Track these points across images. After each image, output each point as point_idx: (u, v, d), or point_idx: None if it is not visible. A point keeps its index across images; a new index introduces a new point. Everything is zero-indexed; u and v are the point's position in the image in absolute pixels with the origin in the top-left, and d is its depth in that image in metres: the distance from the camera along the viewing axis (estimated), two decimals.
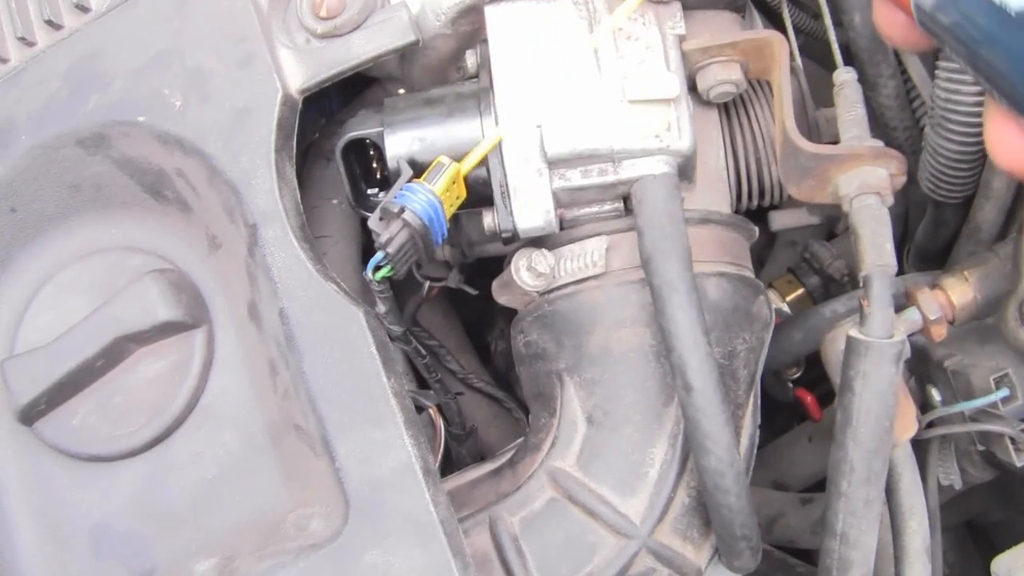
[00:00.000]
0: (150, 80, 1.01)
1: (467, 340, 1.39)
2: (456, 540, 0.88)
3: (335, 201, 1.14)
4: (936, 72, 1.12)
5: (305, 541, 0.92)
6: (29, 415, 1.01)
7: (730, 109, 1.07)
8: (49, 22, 1.06)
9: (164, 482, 1.01)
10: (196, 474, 1.01)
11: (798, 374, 1.43)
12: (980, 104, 1.10)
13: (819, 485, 1.50)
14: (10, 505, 1.03)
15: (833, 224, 1.34)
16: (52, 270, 1.07)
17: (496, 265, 1.12)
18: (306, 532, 0.94)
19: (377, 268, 0.91)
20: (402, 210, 0.89)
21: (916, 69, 1.27)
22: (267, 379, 1.00)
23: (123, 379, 1.02)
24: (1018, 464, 1.02)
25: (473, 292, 1.20)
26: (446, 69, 1.08)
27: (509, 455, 1.07)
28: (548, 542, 0.98)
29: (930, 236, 1.31)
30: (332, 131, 1.15)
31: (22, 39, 1.06)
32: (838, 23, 1.12)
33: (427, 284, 1.18)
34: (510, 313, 1.11)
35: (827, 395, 1.43)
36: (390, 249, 0.89)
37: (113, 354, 1.00)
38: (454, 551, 0.87)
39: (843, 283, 1.40)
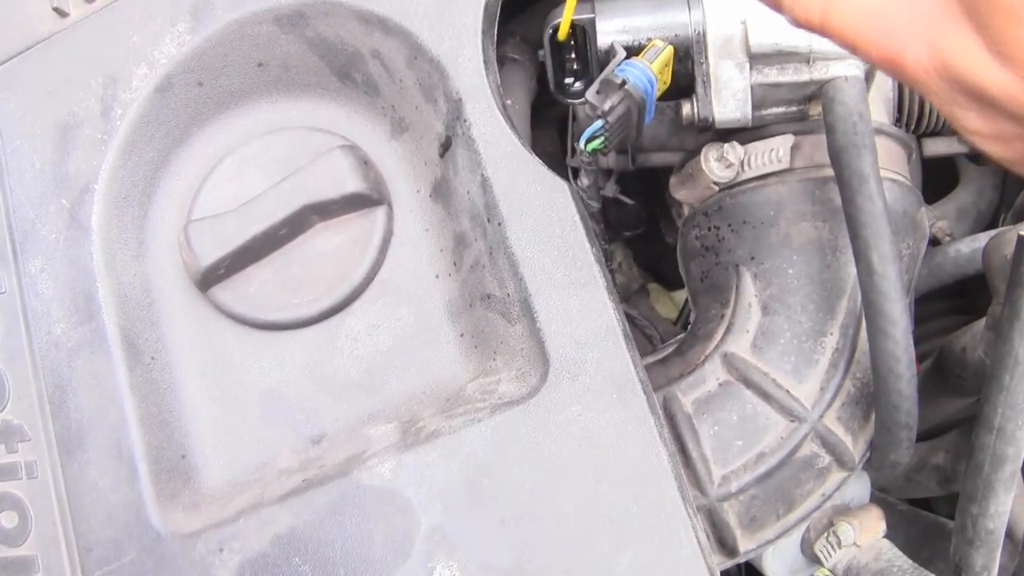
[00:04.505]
0: None
1: None
2: (652, 401, 0.97)
3: (510, 102, 1.25)
4: None
5: (497, 401, 1.01)
6: (208, 280, 1.09)
7: None
8: None
9: (338, 352, 1.10)
10: (371, 346, 1.09)
11: None
12: None
13: None
14: (183, 368, 1.12)
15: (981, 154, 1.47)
16: (232, 145, 1.15)
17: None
18: (495, 395, 1.02)
19: (591, 140, 1.02)
20: (624, 82, 1.00)
21: None
22: (451, 254, 1.09)
23: (303, 251, 1.11)
24: None
25: (629, 201, 1.31)
26: None
27: (674, 346, 1.18)
28: (721, 422, 1.09)
29: None
30: (504, 39, 1.26)
31: None
32: None
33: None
34: (630, 249, 1.22)
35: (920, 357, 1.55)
36: (611, 118, 1.00)
37: (297, 224, 1.09)
38: (652, 411, 0.96)
39: (946, 244, 1.53)
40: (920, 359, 1.53)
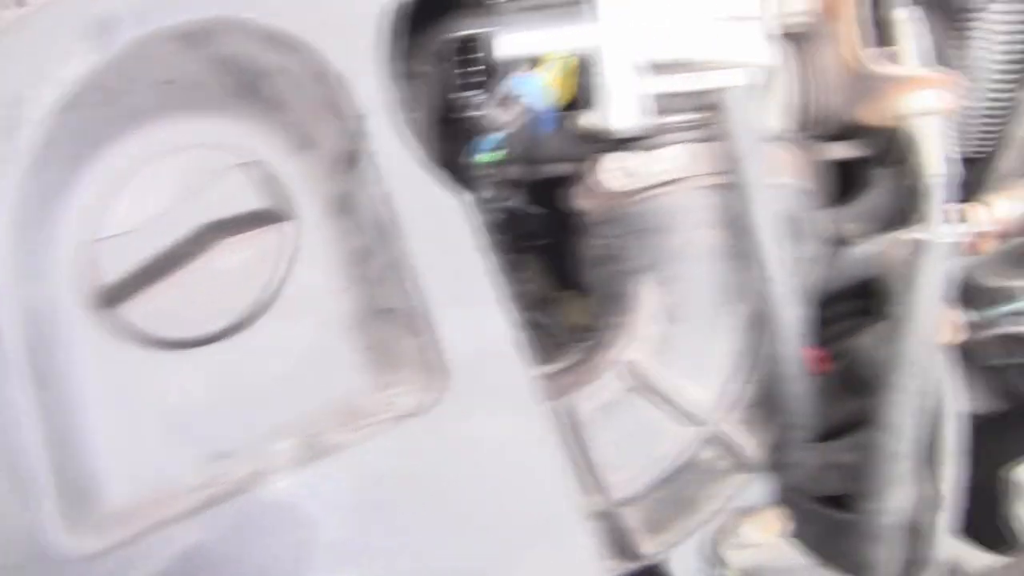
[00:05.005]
0: None
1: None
2: (548, 410, 1.01)
3: (415, 115, 1.27)
4: (969, 31, 1.31)
5: (397, 413, 1.03)
6: (113, 298, 1.10)
7: (799, 40, 1.24)
8: None
9: (242, 368, 1.11)
10: (275, 361, 1.11)
11: None
12: (1012, 60, 1.29)
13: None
14: (86, 388, 1.12)
15: (883, 156, 1.50)
16: (139, 162, 1.16)
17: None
18: (396, 408, 1.04)
19: (489, 152, 1.05)
20: (520, 96, 1.03)
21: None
22: (353, 269, 1.11)
23: (207, 268, 1.12)
24: None
25: (537, 211, 1.33)
26: None
27: (577, 354, 1.21)
28: (622, 428, 1.11)
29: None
30: (408, 53, 1.28)
31: None
32: None
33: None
34: (542, 253, 1.25)
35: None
36: (507, 131, 1.03)
37: (200, 241, 1.10)
38: (547, 419, 1.00)
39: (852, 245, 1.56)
40: (831, 359, 1.57)
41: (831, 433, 1.53)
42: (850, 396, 1.42)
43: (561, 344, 1.43)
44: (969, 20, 1.33)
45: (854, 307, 1.53)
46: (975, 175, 1.43)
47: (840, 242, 1.48)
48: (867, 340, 1.36)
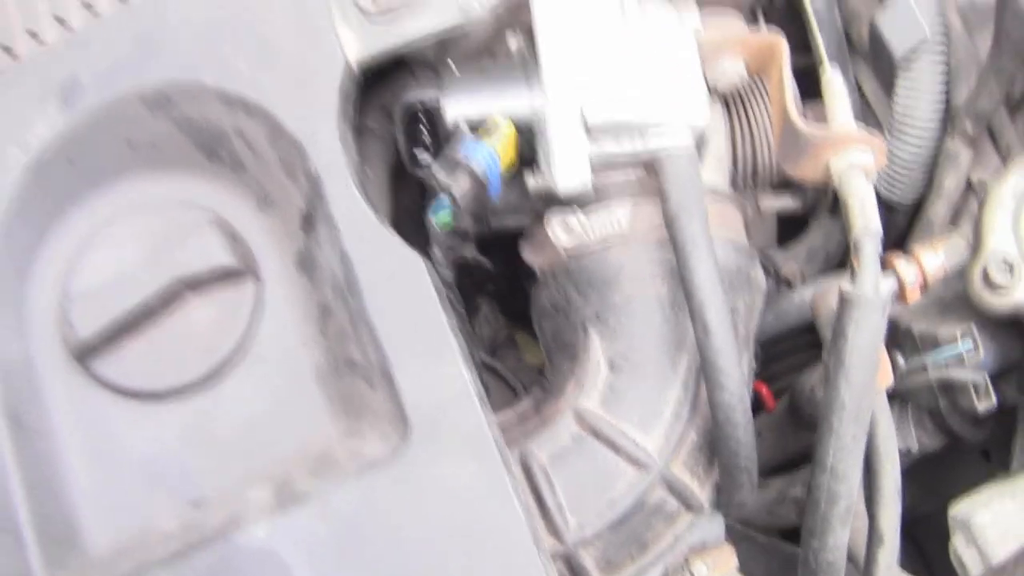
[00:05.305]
0: (217, 45, 1.17)
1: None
2: (507, 458, 1.06)
3: (369, 173, 1.32)
4: (896, 84, 1.39)
5: (363, 462, 1.09)
6: (86, 352, 1.15)
7: (731, 100, 1.31)
8: None
9: (214, 418, 1.16)
10: (245, 410, 1.15)
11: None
12: (936, 112, 1.37)
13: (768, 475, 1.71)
14: (64, 441, 1.16)
15: (814, 208, 1.58)
16: (105, 221, 1.20)
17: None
18: (361, 456, 1.10)
19: (440, 215, 1.11)
20: (466, 160, 1.09)
21: (871, 87, 1.54)
22: (316, 323, 1.17)
23: (176, 322, 1.16)
24: (980, 409, 1.26)
25: (489, 265, 1.40)
26: (480, 56, 1.29)
27: (530, 402, 1.27)
28: (575, 472, 1.17)
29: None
30: (362, 111, 1.34)
31: (86, 4, 1.22)
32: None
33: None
34: (495, 301, 1.31)
35: (778, 392, 1.67)
36: (455, 193, 1.09)
37: (170, 296, 1.15)
38: (506, 467, 1.05)
39: (794, 285, 1.64)
40: (777, 395, 1.65)
41: (784, 466, 1.62)
42: (800, 431, 1.50)
43: (513, 387, 1.50)
44: (899, 73, 1.42)
45: (804, 341, 1.61)
46: (904, 221, 1.52)
47: (782, 281, 1.56)
48: (808, 381, 1.44)
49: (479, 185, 1.09)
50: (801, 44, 1.42)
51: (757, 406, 1.66)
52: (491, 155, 1.10)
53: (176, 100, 1.19)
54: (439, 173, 1.09)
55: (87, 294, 1.16)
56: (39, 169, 1.19)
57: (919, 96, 1.41)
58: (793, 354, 1.71)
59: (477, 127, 1.15)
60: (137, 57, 1.19)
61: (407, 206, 1.42)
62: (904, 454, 1.40)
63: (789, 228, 1.67)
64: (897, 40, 1.40)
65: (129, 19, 1.21)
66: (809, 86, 1.29)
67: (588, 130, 1.17)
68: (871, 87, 1.55)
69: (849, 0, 1.57)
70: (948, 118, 1.44)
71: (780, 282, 1.65)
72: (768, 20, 1.48)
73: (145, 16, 1.21)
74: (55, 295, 1.19)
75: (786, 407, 1.61)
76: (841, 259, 1.66)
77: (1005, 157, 1.44)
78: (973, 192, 1.45)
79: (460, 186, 1.08)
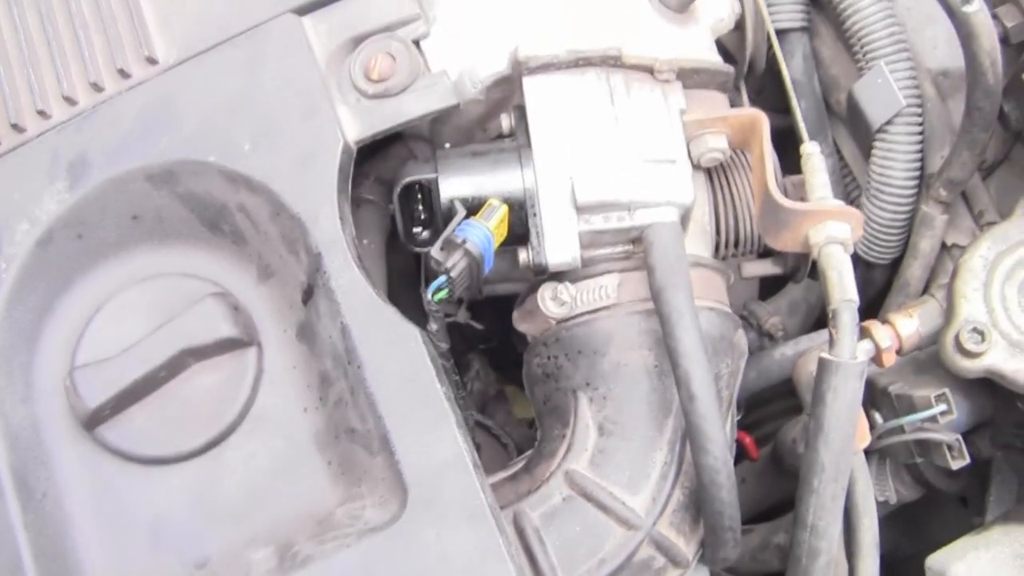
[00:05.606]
0: (221, 124, 1.23)
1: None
2: (501, 522, 1.11)
3: (366, 242, 1.38)
4: (873, 150, 1.45)
5: (363, 527, 1.14)
6: (94, 420, 1.20)
7: (714, 173, 1.37)
8: (120, 71, 1.26)
9: (218, 482, 1.21)
10: (248, 475, 1.21)
11: (739, 416, 1.72)
12: (911, 178, 1.44)
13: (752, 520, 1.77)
14: (72, 505, 1.21)
15: (794, 273, 1.64)
16: (111, 292, 1.26)
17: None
18: (360, 520, 1.15)
19: (437, 291, 1.16)
20: (464, 241, 1.15)
21: (849, 149, 1.61)
22: (316, 391, 1.22)
23: (180, 390, 1.22)
24: (953, 468, 1.32)
25: (479, 327, 1.45)
26: (473, 131, 1.35)
27: (522, 463, 1.33)
28: (566, 532, 1.23)
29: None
30: (359, 181, 1.39)
31: (93, 85, 1.27)
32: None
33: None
34: (485, 356, 1.37)
35: (762, 439, 1.72)
36: (453, 274, 1.14)
37: (174, 366, 1.20)
38: (500, 531, 1.10)
39: (778, 339, 1.69)
40: (760, 440, 1.71)
41: (766, 514, 1.67)
42: (783, 479, 1.55)
43: (505, 444, 1.55)
44: (875, 139, 1.48)
45: (783, 389, 1.66)
46: (882, 278, 1.58)
47: (764, 335, 1.62)
48: (794, 432, 1.50)
49: (475, 264, 1.14)
50: (784, 105, 1.48)
51: (741, 455, 1.72)
52: (487, 236, 1.15)
53: (180, 176, 1.24)
54: (438, 255, 1.14)
55: (95, 365, 1.21)
56: (48, 243, 1.24)
57: (895, 162, 1.48)
58: (774, 401, 1.77)
59: (472, 207, 1.20)
60: (143, 135, 1.25)
61: (401, 269, 1.48)
62: (883, 504, 1.46)
63: (771, 280, 1.72)
64: (874, 111, 1.47)
65: (136, 99, 1.27)
66: (792, 143, 1.35)
67: (578, 208, 1.23)
68: (850, 150, 1.62)
69: (829, 68, 1.63)
70: (923, 183, 1.50)
71: (763, 335, 1.71)
72: (750, 85, 1.55)
73: (151, 96, 1.27)
74: (63, 364, 1.24)
75: (769, 455, 1.67)
76: (822, 311, 1.71)
77: (979, 220, 1.50)
78: (948, 254, 1.52)
79: (458, 267, 1.14)
